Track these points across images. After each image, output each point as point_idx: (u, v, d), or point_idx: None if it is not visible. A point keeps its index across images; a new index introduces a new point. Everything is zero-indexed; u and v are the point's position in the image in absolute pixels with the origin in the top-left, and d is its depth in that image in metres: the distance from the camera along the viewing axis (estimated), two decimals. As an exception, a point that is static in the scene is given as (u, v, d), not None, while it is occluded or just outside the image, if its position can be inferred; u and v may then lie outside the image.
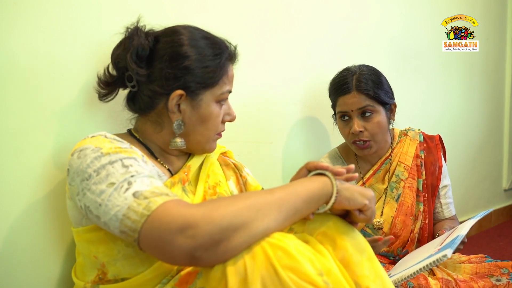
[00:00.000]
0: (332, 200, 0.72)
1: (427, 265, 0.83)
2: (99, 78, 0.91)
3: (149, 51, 0.85)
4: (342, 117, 1.30)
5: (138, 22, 0.89)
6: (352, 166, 0.77)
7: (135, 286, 0.76)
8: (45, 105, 0.92)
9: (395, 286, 0.88)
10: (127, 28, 0.88)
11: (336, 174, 0.74)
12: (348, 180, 0.77)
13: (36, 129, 0.91)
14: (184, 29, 0.87)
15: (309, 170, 0.78)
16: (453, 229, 1.06)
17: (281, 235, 0.65)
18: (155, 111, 0.87)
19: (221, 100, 0.89)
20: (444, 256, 0.80)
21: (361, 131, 1.26)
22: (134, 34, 0.86)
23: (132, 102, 0.90)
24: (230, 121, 0.94)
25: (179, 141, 0.87)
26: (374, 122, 1.26)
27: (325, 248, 0.69)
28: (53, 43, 0.93)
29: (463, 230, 0.95)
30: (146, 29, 0.89)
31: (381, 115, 1.27)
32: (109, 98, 0.92)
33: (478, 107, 2.44)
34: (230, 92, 0.91)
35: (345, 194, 0.74)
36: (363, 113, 1.26)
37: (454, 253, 1.20)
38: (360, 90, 1.24)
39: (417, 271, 0.85)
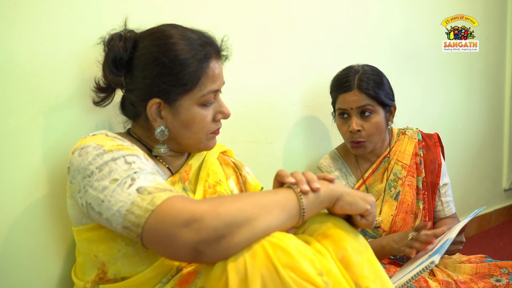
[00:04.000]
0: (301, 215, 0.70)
1: (417, 273, 0.82)
2: (96, 84, 0.91)
3: (129, 57, 0.84)
4: (341, 115, 1.30)
5: (124, 26, 0.89)
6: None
7: (135, 285, 0.76)
8: (45, 104, 0.92)
9: None
10: (103, 38, 0.88)
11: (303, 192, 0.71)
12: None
13: (36, 129, 0.91)
14: (162, 31, 0.84)
15: (280, 182, 0.75)
16: (448, 230, 1.06)
17: (282, 235, 0.65)
18: (141, 117, 0.87)
19: (204, 102, 0.85)
20: (432, 263, 0.80)
21: (358, 130, 1.26)
22: (111, 40, 0.86)
23: (123, 108, 0.92)
24: (223, 118, 0.91)
25: (162, 149, 0.87)
26: (372, 122, 1.26)
27: (325, 248, 0.69)
28: (53, 43, 0.93)
29: (452, 233, 0.95)
30: (133, 28, 0.89)
31: (379, 116, 1.27)
32: (105, 103, 0.93)
33: (478, 107, 2.44)
34: (215, 91, 0.86)
35: (347, 199, 0.74)
36: (362, 112, 1.26)
37: (454, 254, 1.20)
38: (361, 89, 1.25)
39: (409, 279, 0.84)
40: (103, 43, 0.88)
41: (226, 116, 0.90)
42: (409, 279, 0.84)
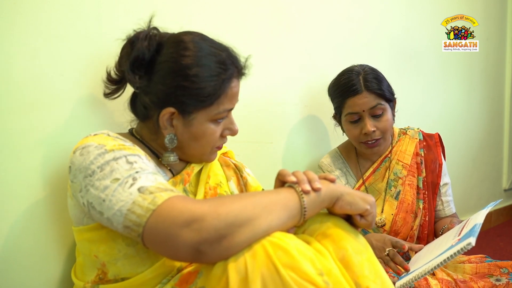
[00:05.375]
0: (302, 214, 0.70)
1: (451, 255, 0.84)
2: (108, 74, 0.89)
3: (150, 58, 0.82)
4: (352, 119, 1.29)
5: (149, 23, 0.86)
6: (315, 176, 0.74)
7: (135, 286, 0.76)
8: (45, 105, 0.92)
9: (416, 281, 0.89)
10: (132, 32, 0.85)
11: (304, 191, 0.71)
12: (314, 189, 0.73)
13: (36, 129, 0.91)
14: (190, 42, 0.82)
15: (282, 181, 0.75)
16: (466, 220, 1.06)
17: (282, 235, 0.65)
18: (151, 120, 0.86)
19: (218, 119, 0.85)
20: (469, 244, 0.81)
21: (373, 131, 1.26)
22: (136, 39, 0.83)
23: (132, 106, 0.90)
24: (231, 135, 0.91)
25: (172, 157, 0.86)
26: (384, 120, 1.27)
27: (325, 248, 0.69)
28: (53, 43, 0.93)
29: (478, 218, 0.95)
30: (135, 29, 0.86)
31: (389, 112, 1.28)
32: (114, 96, 0.91)
33: (478, 107, 2.44)
34: (230, 110, 0.87)
35: (347, 199, 0.74)
36: (374, 112, 1.26)
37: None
38: (369, 90, 1.25)
39: (441, 262, 0.85)
40: (127, 39, 0.84)
41: (233, 133, 0.91)
42: (441, 262, 0.85)
